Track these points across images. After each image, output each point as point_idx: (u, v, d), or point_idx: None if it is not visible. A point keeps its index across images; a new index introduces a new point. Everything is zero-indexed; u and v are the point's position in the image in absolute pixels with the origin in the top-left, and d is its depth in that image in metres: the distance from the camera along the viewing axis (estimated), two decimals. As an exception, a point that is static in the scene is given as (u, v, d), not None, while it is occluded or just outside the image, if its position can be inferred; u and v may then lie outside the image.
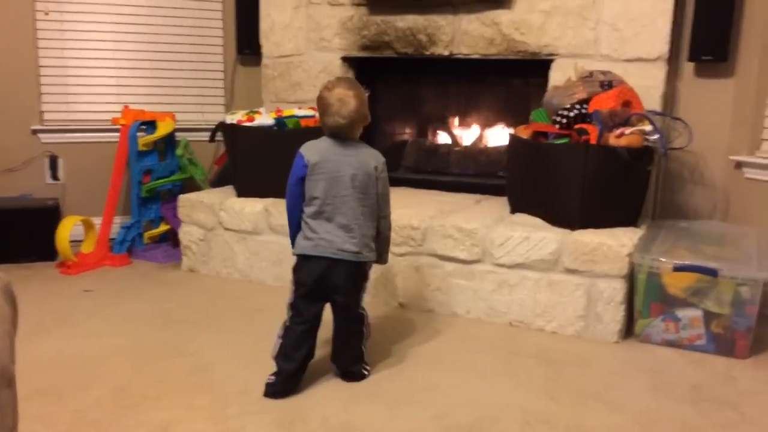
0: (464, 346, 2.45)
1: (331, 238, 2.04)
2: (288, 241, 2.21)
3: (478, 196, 3.34)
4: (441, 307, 2.78)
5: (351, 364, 2.14)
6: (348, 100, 2.02)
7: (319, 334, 2.12)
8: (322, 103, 2.06)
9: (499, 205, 3.06)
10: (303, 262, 2.09)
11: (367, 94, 2.11)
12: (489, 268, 2.68)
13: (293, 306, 2.09)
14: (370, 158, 2.10)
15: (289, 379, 2.03)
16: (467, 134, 3.83)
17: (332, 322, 2.14)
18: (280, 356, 2.05)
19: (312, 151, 2.08)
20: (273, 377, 2.04)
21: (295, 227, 2.14)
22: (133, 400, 1.98)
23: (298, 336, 2.05)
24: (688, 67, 3.03)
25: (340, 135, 2.07)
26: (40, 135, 3.71)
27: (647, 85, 2.89)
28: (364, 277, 2.14)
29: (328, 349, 2.18)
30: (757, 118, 2.88)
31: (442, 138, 3.91)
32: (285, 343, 2.06)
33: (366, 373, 2.15)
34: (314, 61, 3.61)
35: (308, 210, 2.08)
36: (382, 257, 2.23)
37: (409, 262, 2.81)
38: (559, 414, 1.95)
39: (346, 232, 2.05)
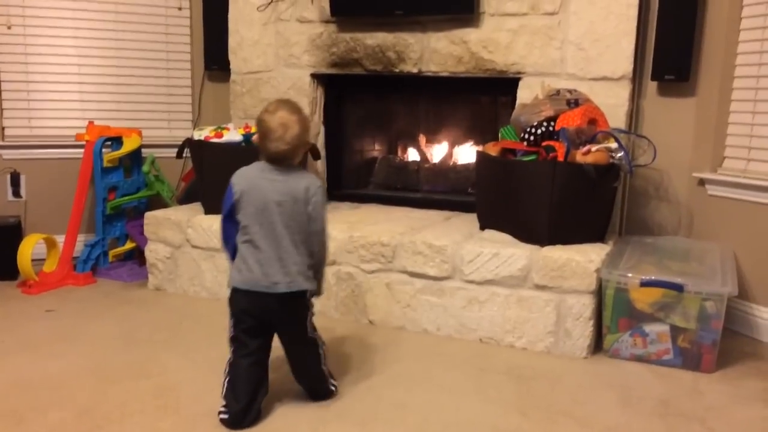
0: (434, 363, 2.44)
1: (263, 270, 1.93)
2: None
3: (447, 213, 3.36)
4: (411, 324, 2.77)
5: (316, 385, 2.09)
6: (291, 126, 1.93)
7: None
8: (263, 127, 1.96)
9: (469, 221, 3.07)
10: (237, 295, 1.98)
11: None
12: (459, 284, 2.68)
13: (235, 339, 1.98)
14: (300, 182, 1.98)
15: (242, 417, 1.91)
16: (437, 151, 3.85)
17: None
18: (230, 395, 1.94)
19: (242, 178, 2.00)
20: (225, 414, 1.93)
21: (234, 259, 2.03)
22: (96, 424, 1.93)
23: (246, 369, 1.95)
24: (651, 86, 3.09)
25: (278, 161, 1.98)
26: (2, 151, 3.63)
27: (612, 104, 2.95)
28: (305, 306, 2.02)
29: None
30: (719, 136, 2.94)
31: (412, 155, 3.92)
32: (232, 380, 1.95)
33: (333, 389, 2.11)
34: (283, 77, 3.60)
35: (240, 238, 1.98)
36: (317, 288, 2.09)
37: (380, 279, 2.80)
38: (529, 430, 1.95)
39: (276, 261, 1.94)
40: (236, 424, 1.91)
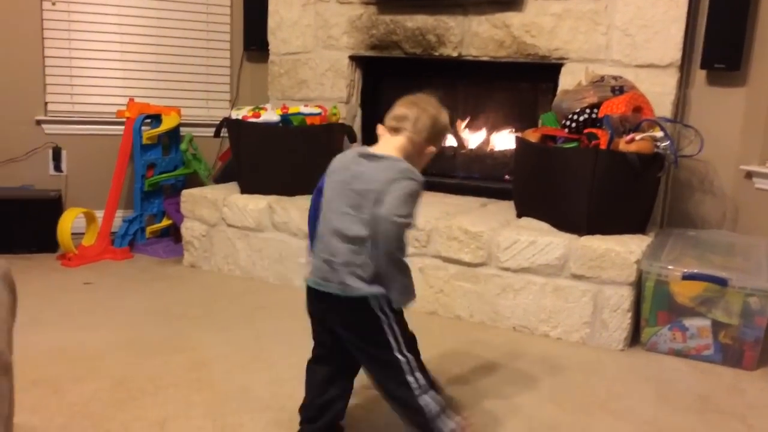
0: (467, 350, 2.42)
1: None
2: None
3: (483, 200, 3.31)
4: (444, 310, 2.75)
5: None
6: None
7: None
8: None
9: (506, 208, 3.03)
10: None
11: None
12: (494, 271, 2.64)
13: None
14: None
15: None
16: (474, 137, 3.79)
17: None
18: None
19: None
20: None
21: None
22: (131, 395, 1.95)
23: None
24: (699, 75, 2.99)
25: None
26: (44, 126, 3.69)
27: (658, 92, 2.86)
28: None
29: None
30: (769, 128, 2.85)
31: (449, 140, 3.87)
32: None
33: None
34: (321, 59, 3.58)
35: None
36: None
37: (413, 263, 2.76)
38: (564, 421, 1.92)
39: None
40: None
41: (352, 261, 1.53)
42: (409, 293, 1.58)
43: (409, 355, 1.58)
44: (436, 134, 1.66)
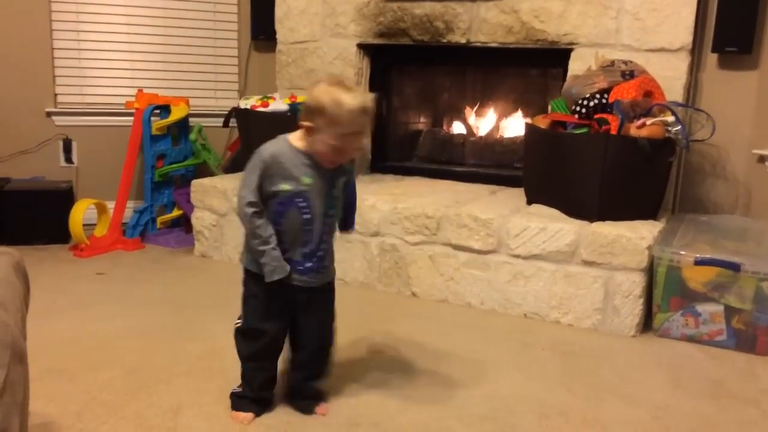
0: (478, 337, 2.42)
1: None
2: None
3: (493, 187, 3.30)
4: (455, 297, 2.75)
5: None
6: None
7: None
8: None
9: (515, 195, 3.02)
10: None
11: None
12: (504, 258, 2.64)
13: None
14: None
15: None
16: (483, 124, 3.78)
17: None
18: None
19: None
20: None
21: None
22: (145, 383, 1.96)
23: None
24: (711, 59, 2.96)
25: None
26: (54, 117, 3.70)
27: (669, 76, 2.84)
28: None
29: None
30: (782, 111, 2.82)
31: (458, 128, 3.86)
32: None
33: None
34: (329, 47, 3.57)
35: None
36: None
37: (423, 251, 2.78)
38: (575, 407, 1.92)
39: None
40: None
41: None
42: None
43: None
44: (310, 113, 1.68)
